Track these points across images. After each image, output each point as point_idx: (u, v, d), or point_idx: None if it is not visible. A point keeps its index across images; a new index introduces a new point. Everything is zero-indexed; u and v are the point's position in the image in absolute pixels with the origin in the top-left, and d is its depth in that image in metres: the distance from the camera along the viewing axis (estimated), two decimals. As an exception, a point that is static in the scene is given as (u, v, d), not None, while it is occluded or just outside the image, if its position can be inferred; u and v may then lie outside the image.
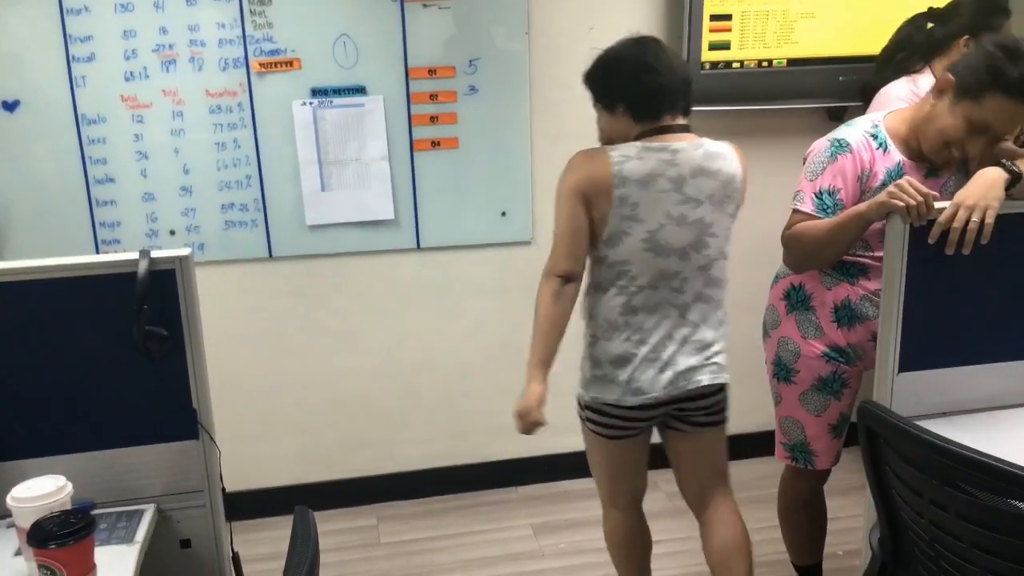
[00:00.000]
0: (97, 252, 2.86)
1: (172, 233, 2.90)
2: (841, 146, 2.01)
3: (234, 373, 3.03)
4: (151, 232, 2.89)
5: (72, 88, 2.76)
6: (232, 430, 3.05)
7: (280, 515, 3.11)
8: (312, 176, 2.93)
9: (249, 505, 3.05)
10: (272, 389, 3.09)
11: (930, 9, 2.59)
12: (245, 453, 3.08)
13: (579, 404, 2.10)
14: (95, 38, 2.73)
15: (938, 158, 1.96)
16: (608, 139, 2.04)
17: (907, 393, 1.88)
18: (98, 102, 2.77)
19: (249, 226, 2.95)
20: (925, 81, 2.44)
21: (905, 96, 2.46)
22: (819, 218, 1.99)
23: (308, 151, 2.91)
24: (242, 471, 3.09)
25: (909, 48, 2.56)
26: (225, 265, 2.95)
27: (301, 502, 3.14)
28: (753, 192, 3.24)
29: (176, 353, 1.67)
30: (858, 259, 2.05)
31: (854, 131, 2.03)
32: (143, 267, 1.60)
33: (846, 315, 2.10)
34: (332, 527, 3.05)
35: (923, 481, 1.48)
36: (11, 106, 2.74)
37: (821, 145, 2.05)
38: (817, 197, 2.00)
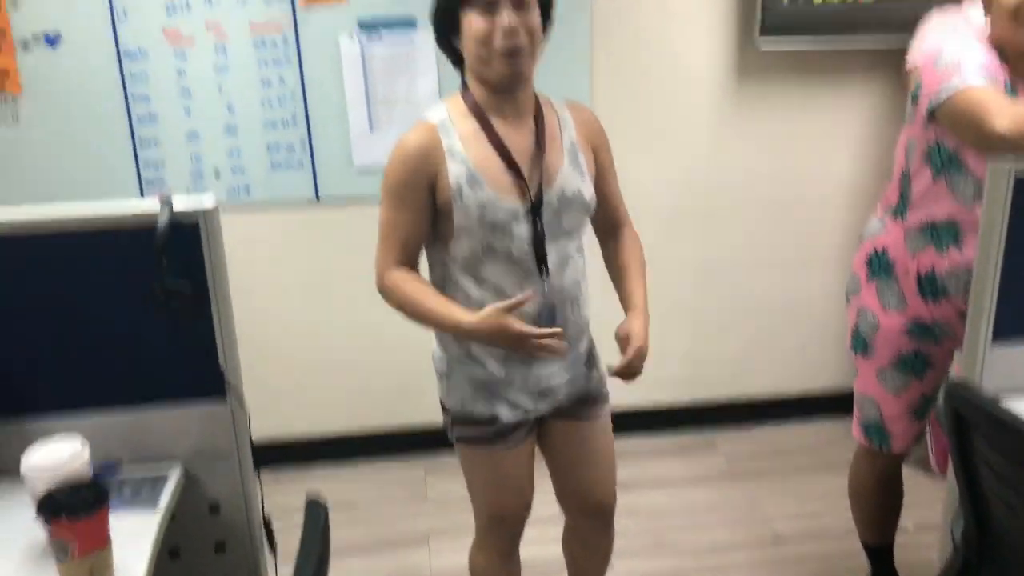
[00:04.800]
0: (141, 193, 2.79)
1: (217, 175, 2.81)
2: (965, 36, 1.79)
3: (280, 319, 2.97)
4: (196, 173, 2.80)
5: (113, 22, 2.65)
6: (279, 378, 3.02)
7: (326, 463, 3.07)
8: (360, 116, 2.80)
9: (295, 453, 3.01)
10: (319, 336, 3.02)
11: None
12: (292, 401, 3.03)
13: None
14: (135, -33, 2.62)
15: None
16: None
17: (1001, 369, 1.69)
18: (140, 36, 2.67)
19: (296, 167, 2.84)
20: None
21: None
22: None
23: (356, 89, 2.77)
24: (288, 419, 3.06)
25: None
26: (271, 208, 2.86)
27: (348, 451, 3.13)
28: (833, 138, 3.03)
29: (202, 311, 1.57)
30: (952, 217, 1.84)
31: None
32: (163, 219, 1.49)
33: (931, 287, 1.89)
34: (379, 478, 3.00)
35: (1020, 476, 1.31)
36: (52, 40, 2.65)
37: (942, 46, 1.79)
38: (981, 75, 1.71)
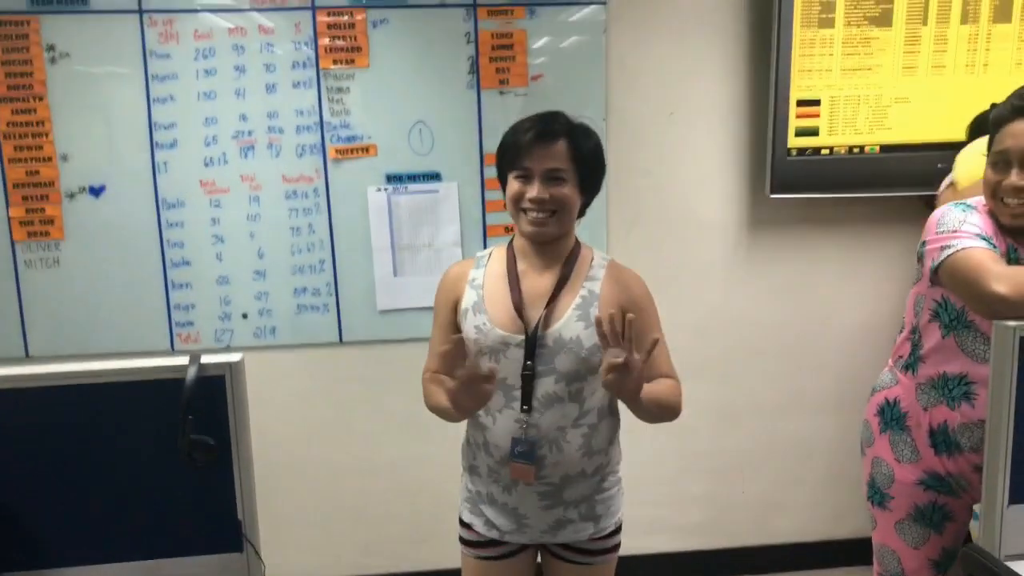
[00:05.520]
0: (171, 334, 2.88)
1: (244, 316, 2.90)
2: (968, 206, 1.86)
3: (300, 459, 2.98)
4: (224, 315, 2.89)
5: (154, 174, 2.81)
6: (297, 517, 3.02)
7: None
8: (385, 261, 2.90)
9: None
10: (338, 476, 3.03)
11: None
12: (310, 541, 3.01)
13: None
14: (178, 125, 2.78)
15: (1004, 217, 1.80)
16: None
17: (1021, 529, 1.67)
18: (178, 187, 2.82)
19: (321, 310, 2.92)
20: None
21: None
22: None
23: (382, 236, 2.89)
24: (306, 559, 3.03)
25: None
26: (295, 349, 2.93)
27: (362, 595, 3.06)
28: (845, 285, 3.09)
29: (223, 462, 1.60)
30: (963, 373, 1.86)
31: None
32: (191, 374, 1.55)
33: (944, 441, 1.90)
34: (393, 625, 2.94)
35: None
36: (97, 191, 2.80)
37: (945, 212, 1.87)
38: (981, 239, 1.77)
